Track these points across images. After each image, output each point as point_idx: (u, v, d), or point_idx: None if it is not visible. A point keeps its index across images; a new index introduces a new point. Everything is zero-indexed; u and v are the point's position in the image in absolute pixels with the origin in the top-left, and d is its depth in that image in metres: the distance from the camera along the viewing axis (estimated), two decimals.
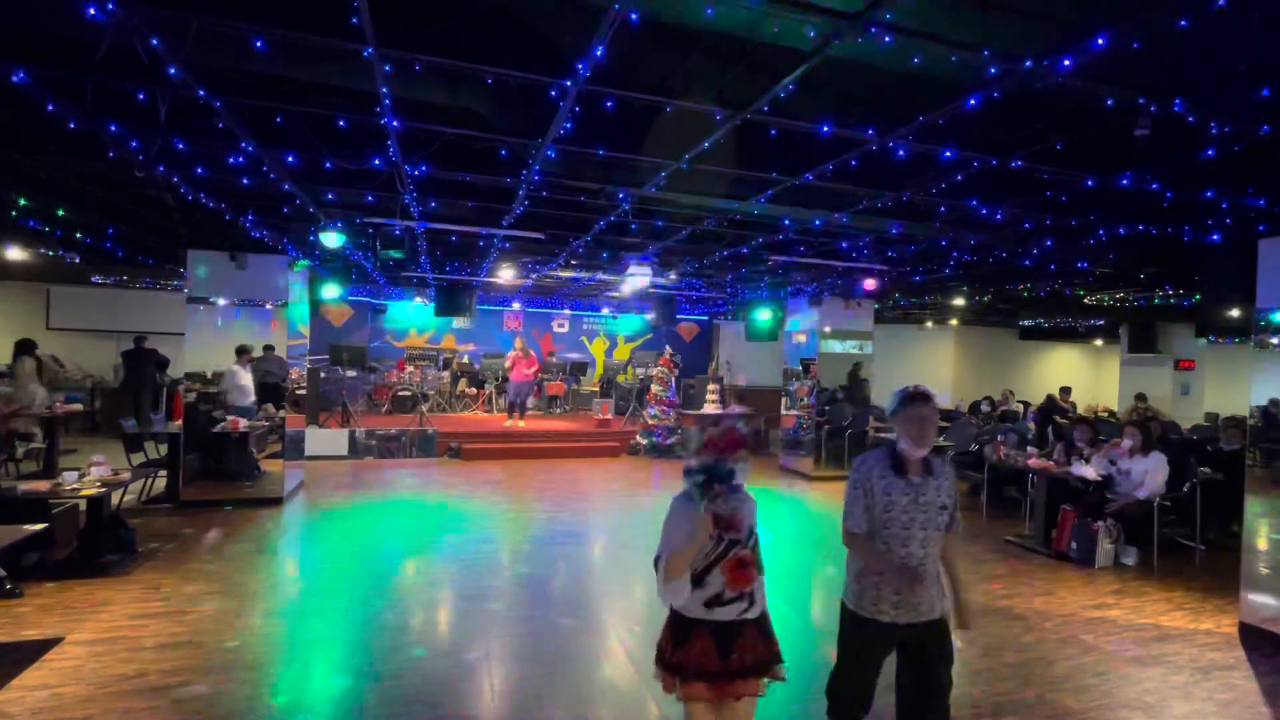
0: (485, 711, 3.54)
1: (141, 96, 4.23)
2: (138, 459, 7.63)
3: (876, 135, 4.26)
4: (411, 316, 16.36)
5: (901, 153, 4.59)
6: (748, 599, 2.44)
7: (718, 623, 2.40)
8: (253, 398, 7.94)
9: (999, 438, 8.51)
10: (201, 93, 3.88)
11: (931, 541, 2.68)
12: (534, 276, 11.76)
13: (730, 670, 2.39)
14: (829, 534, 7.29)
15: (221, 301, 7.89)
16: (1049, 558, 6.53)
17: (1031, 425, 10.24)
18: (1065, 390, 13.06)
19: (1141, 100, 3.55)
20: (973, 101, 3.64)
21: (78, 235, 7.85)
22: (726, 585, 2.40)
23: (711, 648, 2.38)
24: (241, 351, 7.87)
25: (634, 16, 3.02)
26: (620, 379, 15.29)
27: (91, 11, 3.07)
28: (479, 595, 5.18)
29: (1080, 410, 13.29)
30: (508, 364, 12.96)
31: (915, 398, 2.66)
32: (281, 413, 8.12)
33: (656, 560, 2.43)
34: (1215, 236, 6.36)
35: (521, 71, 3.67)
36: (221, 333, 7.91)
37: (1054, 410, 11.45)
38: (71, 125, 4.34)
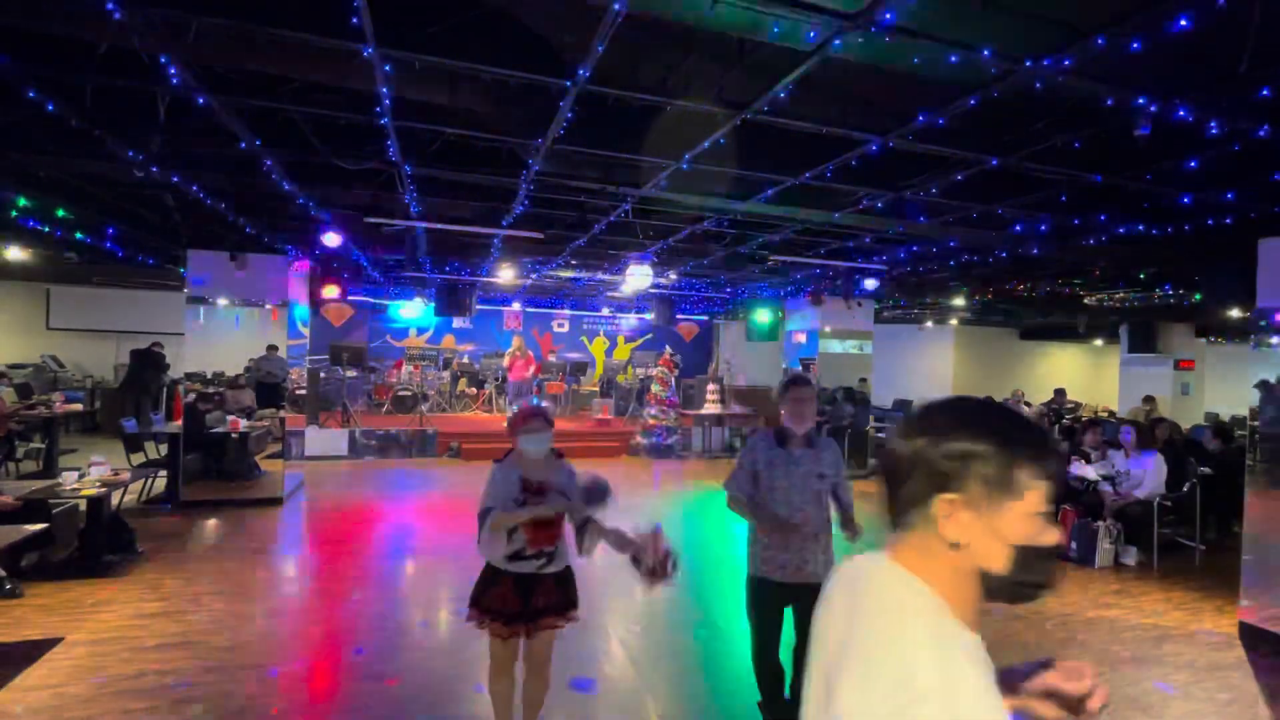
0: (485, 712, 3.53)
1: (141, 96, 4.23)
2: (138, 459, 7.63)
3: (876, 135, 4.26)
4: (411, 317, 16.34)
5: (901, 153, 4.59)
6: (545, 556, 2.91)
7: (518, 574, 2.88)
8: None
9: None
10: (201, 94, 3.88)
11: (811, 504, 3.07)
12: (534, 276, 11.76)
13: (528, 613, 2.88)
14: None
15: (221, 301, 7.89)
16: None
17: None
18: (1060, 392, 13.09)
19: (1141, 100, 3.55)
20: (973, 101, 3.64)
21: (78, 235, 7.85)
22: (528, 543, 2.87)
23: (513, 595, 2.87)
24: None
25: (634, 15, 3.02)
26: (620, 379, 15.29)
27: (92, 11, 3.07)
28: None
29: (1081, 410, 13.31)
30: (506, 363, 12.95)
31: (794, 383, 3.16)
32: (281, 413, 8.12)
33: (483, 514, 2.88)
34: (1215, 236, 6.36)
35: (521, 71, 3.67)
36: (221, 333, 7.91)
37: (1061, 412, 11.48)
38: (73, 124, 4.34)
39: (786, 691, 3.20)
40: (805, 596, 2.92)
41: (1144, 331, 12.96)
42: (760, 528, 3.10)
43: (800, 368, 11.50)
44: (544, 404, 3.02)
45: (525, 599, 2.89)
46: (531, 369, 12.96)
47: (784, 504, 3.06)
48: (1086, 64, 3.18)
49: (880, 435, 10.23)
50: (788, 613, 3.16)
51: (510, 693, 3.04)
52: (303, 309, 8.98)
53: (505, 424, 3.04)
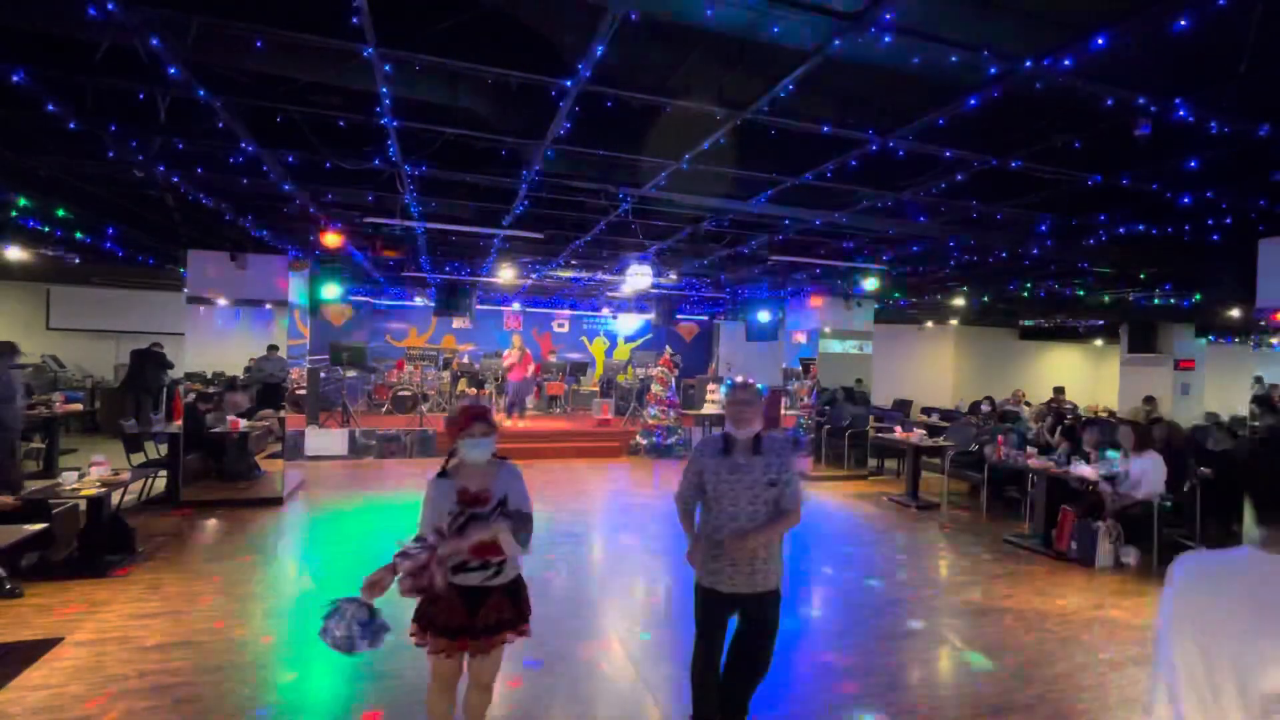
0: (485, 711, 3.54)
1: (141, 96, 4.23)
2: (138, 459, 7.63)
3: (876, 135, 4.27)
4: (411, 316, 16.35)
5: (901, 153, 4.59)
6: (494, 567, 2.71)
7: (463, 587, 2.67)
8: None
9: (999, 438, 8.51)
10: (201, 93, 3.89)
11: (760, 515, 2.95)
12: (534, 276, 11.76)
13: (477, 627, 2.68)
14: (828, 533, 7.29)
15: (221, 301, 7.89)
16: (1049, 558, 6.53)
17: (1034, 425, 10.24)
18: (1059, 390, 13.09)
19: (1141, 100, 3.55)
20: (973, 101, 3.64)
21: (78, 235, 7.85)
22: (470, 554, 2.65)
23: (459, 608, 2.67)
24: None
25: (634, 16, 3.02)
26: (620, 379, 15.28)
27: (92, 11, 3.07)
28: None
29: (1080, 410, 13.32)
30: (506, 364, 12.96)
31: (735, 388, 3.10)
32: (281, 413, 8.12)
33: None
34: (1215, 236, 6.36)
35: (521, 71, 3.67)
36: (221, 333, 7.92)
37: (1062, 412, 11.48)
38: (71, 125, 4.34)
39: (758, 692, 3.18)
40: (753, 604, 3.03)
41: (1144, 331, 12.97)
42: (700, 542, 3.06)
43: (800, 368, 11.50)
44: (485, 405, 2.84)
45: (472, 613, 2.69)
46: (531, 369, 12.95)
47: (729, 512, 2.96)
48: (1086, 64, 3.18)
49: (880, 435, 10.23)
50: (732, 621, 3.12)
51: (449, 713, 2.85)
52: (303, 309, 8.97)
53: (444, 424, 2.79)
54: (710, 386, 13.11)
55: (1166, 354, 12.98)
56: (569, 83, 3.65)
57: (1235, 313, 10.88)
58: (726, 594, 2.99)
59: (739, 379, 3.18)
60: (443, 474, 2.76)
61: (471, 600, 2.70)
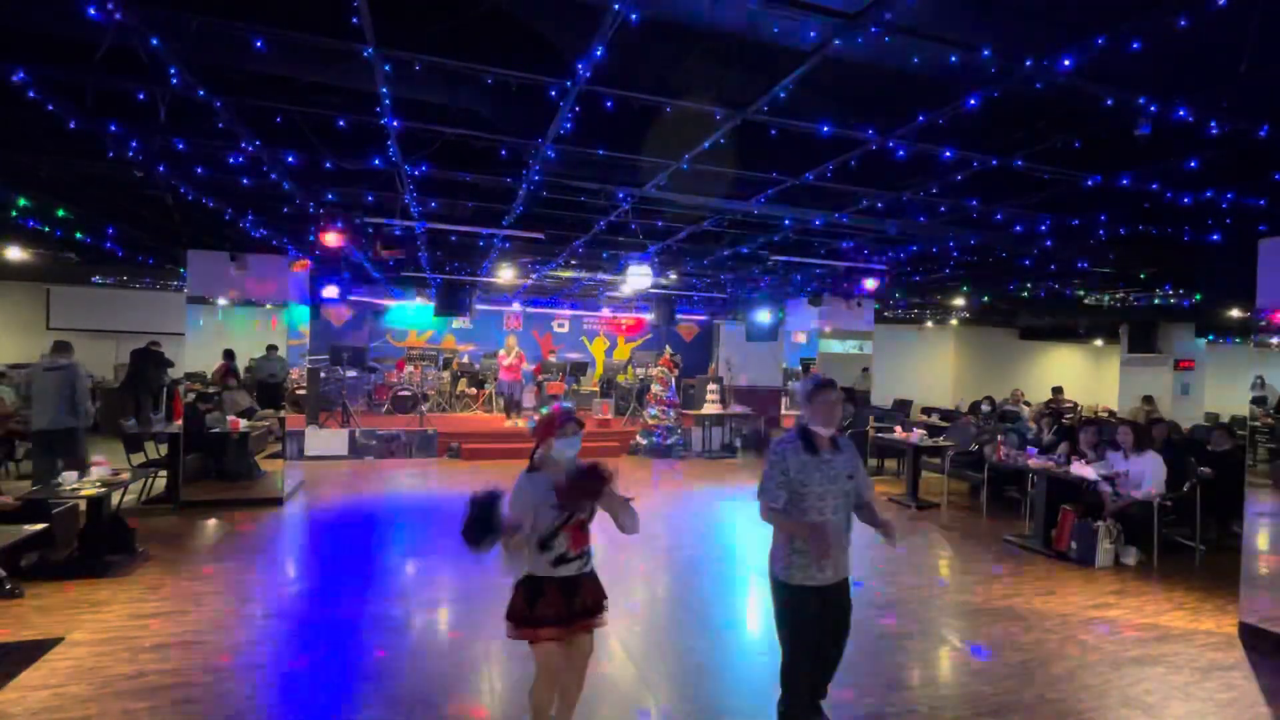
0: (485, 711, 3.54)
1: (141, 96, 4.23)
2: (138, 459, 7.63)
3: (876, 135, 4.27)
4: (411, 316, 16.34)
5: (901, 153, 4.59)
6: (584, 557, 2.94)
7: (562, 578, 2.87)
8: None
9: (999, 438, 8.51)
10: (201, 93, 3.89)
11: (842, 507, 3.09)
12: (534, 276, 11.76)
13: (574, 614, 2.89)
14: None
15: (221, 301, 7.90)
16: (1049, 558, 6.53)
17: (1033, 425, 10.24)
18: (1057, 390, 13.10)
19: (1141, 100, 3.55)
20: (973, 101, 3.64)
21: (78, 235, 7.86)
22: (570, 545, 2.86)
23: (560, 599, 2.86)
24: None
25: (634, 16, 3.02)
26: (620, 379, 15.28)
27: (92, 11, 3.07)
28: (479, 595, 5.17)
29: (1080, 409, 13.32)
30: (507, 363, 12.97)
31: (825, 385, 3.08)
32: (281, 413, 8.13)
33: (511, 528, 2.77)
34: (1215, 236, 6.36)
35: (521, 71, 3.67)
36: (221, 332, 7.92)
37: (1060, 411, 11.50)
38: (72, 125, 4.34)
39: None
40: (834, 592, 3.13)
41: (1144, 331, 12.97)
42: (800, 537, 3.04)
43: (800, 368, 11.51)
44: (563, 405, 3.06)
45: (569, 603, 2.88)
46: (527, 367, 12.94)
47: (816, 508, 3.01)
48: (1086, 64, 3.18)
49: (880, 435, 10.23)
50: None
51: (552, 704, 3.01)
52: (302, 309, 8.98)
53: (533, 429, 3.03)
54: (710, 386, 13.10)
55: (1166, 354, 12.98)
56: (569, 83, 3.65)
57: (1235, 313, 10.88)
58: (816, 587, 3.05)
59: (823, 376, 3.17)
60: (532, 469, 2.92)
61: (569, 590, 2.89)
